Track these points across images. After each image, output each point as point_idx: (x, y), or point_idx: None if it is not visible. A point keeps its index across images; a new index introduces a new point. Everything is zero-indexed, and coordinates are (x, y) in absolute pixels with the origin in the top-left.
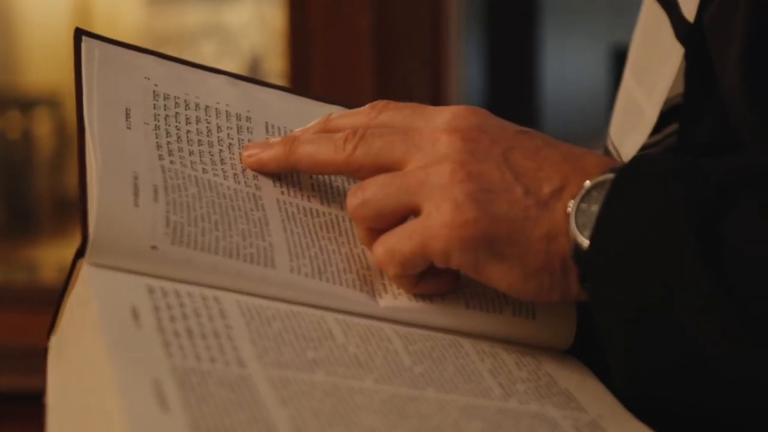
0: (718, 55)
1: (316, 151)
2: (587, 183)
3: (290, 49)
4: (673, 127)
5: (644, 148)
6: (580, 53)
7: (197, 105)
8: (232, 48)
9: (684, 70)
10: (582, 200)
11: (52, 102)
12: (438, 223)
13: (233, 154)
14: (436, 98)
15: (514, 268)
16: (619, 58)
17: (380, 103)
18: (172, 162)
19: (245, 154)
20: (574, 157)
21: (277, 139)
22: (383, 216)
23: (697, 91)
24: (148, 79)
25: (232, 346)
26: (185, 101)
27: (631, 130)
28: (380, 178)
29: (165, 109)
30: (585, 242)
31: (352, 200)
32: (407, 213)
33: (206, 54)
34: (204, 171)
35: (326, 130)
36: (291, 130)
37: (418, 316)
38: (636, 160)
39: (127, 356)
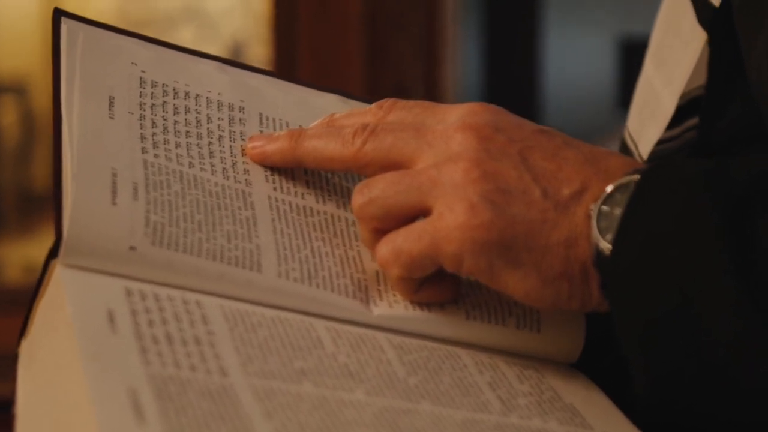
0: (747, 42)
1: (324, 145)
2: (610, 186)
3: (275, 35)
4: (693, 121)
5: (662, 142)
6: (585, 44)
7: (187, 93)
8: (213, 33)
9: (707, 58)
10: (604, 203)
11: (18, 90)
12: (451, 224)
13: (223, 146)
14: (431, 89)
15: (531, 275)
16: (626, 50)
17: (388, 102)
18: (156, 155)
19: (249, 145)
20: (596, 158)
21: (282, 132)
22: (391, 215)
23: (721, 80)
24: (135, 64)
25: (214, 354)
26: (174, 89)
27: (650, 122)
28: (389, 176)
29: (152, 98)
30: (607, 247)
31: (359, 198)
32: (417, 213)
33: (184, 40)
34: (191, 165)
35: None
36: (286, 122)
37: (414, 326)
38: (662, 161)
39: (101, 363)
